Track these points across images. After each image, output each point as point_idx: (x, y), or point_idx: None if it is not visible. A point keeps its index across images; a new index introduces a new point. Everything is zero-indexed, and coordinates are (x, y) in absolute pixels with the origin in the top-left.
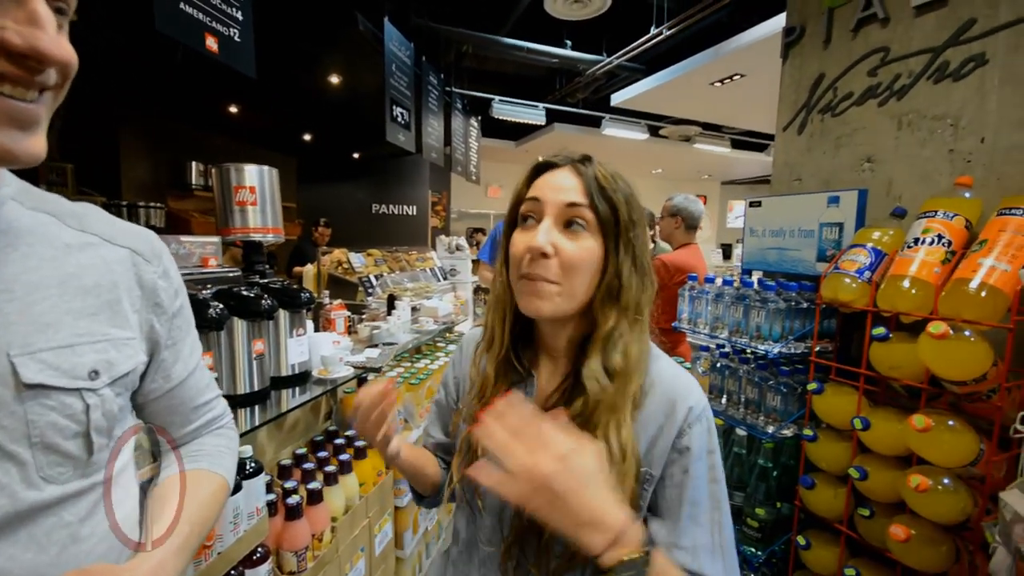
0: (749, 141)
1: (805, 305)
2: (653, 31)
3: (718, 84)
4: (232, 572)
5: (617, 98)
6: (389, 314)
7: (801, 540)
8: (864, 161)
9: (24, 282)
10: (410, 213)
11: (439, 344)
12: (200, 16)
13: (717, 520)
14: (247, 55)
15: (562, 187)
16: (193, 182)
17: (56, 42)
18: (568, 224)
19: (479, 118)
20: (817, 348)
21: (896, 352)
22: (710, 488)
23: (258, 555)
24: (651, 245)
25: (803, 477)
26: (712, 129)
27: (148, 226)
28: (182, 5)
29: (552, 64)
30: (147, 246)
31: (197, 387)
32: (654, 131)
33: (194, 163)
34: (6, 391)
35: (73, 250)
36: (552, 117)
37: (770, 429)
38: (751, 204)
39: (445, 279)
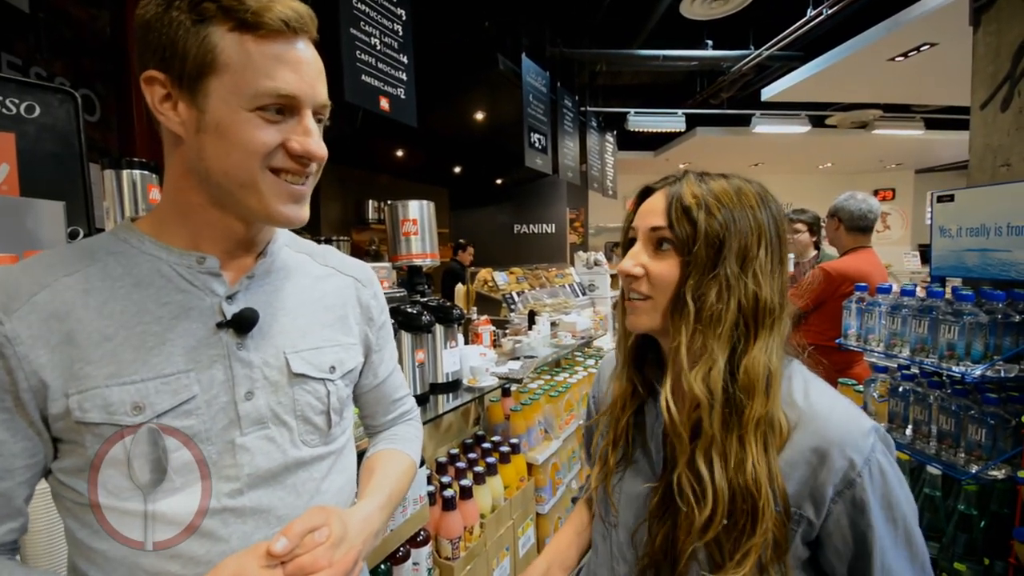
0: (949, 119)
1: (1018, 318)
2: (811, 13)
3: (899, 59)
4: (401, 548)
5: (769, 92)
6: (530, 329)
7: None
8: None
9: (292, 302)
10: (549, 231)
11: (577, 358)
12: (376, 83)
13: (907, 558)
14: (410, 109)
15: (651, 211)
16: (370, 217)
17: (319, 144)
18: (658, 245)
19: (614, 133)
20: None
21: None
22: (890, 529)
23: (421, 537)
24: (813, 252)
25: (1018, 529)
26: (897, 110)
27: None
28: (363, 77)
29: (691, 67)
30: (364, 274)
31: (394, 385)
32: (816, 121)
33: (370, 201)
34: (282, 377)
35: (320, 279)
36: (693, 122)
37: (973, 469)
38: (939, 199)
39: (584, 294)
